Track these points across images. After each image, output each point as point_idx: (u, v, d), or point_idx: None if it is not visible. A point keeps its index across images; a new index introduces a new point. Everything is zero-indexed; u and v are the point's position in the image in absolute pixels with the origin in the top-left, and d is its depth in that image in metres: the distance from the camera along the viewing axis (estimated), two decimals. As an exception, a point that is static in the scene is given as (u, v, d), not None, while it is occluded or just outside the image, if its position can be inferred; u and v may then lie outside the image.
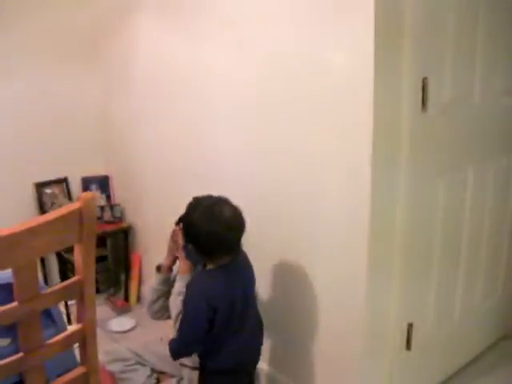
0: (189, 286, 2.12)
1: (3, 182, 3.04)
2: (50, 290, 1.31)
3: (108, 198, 3.33)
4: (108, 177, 3.33)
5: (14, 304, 1.24)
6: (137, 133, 3.05)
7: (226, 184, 2.46)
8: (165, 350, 2.53)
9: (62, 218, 1.25)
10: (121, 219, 3.27)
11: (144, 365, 2.48)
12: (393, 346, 2.15)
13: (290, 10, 2.03)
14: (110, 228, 3.23)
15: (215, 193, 2.48)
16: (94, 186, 3.28)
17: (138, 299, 3.39)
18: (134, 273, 3.37)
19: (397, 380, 2.20)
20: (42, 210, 3.13)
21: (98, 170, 3.33)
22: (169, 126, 2.80)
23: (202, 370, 2.17)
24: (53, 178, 3.19)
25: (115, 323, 3.15)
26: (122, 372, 2.45)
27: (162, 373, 2.50)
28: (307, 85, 1.99)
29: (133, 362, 2.47)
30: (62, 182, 3.23)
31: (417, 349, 2.24)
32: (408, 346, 2.21)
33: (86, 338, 1.45)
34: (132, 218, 3.30)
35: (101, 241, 3.31)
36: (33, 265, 1.24)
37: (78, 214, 1.26)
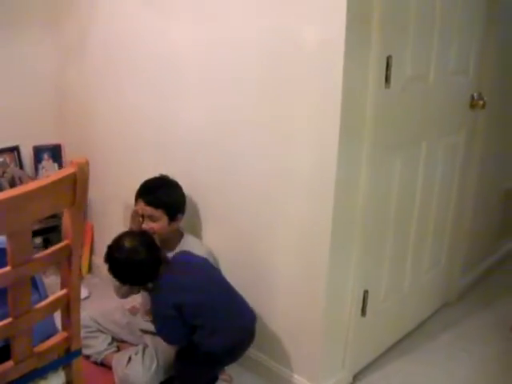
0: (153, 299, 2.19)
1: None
2: (41, 254, 1.32)
3: (60, 167, 3.26)
4: (60, 145, 3.27)
5: (8, 268, 1.26)
6: (93, 102, 3.00)
7: (187, 154, 2.48)
8: (122, 318, 2.56)
9: (57, 183, 1.26)
10: (74, 189, 3.21)
11: (105, 333, 2.50)
12: (349, 311, 2.27)
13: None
14: (62, 197, 3.16)
15: (174, 164, 2.50)
16: (45, 155, 3.21)
17: (90, 269, 3.37)
18: (86, 242, 3.34)
19: (351, 344, 2.32)
20: (-7, 178, 3.05)
21: (49, 139, 3.25)
22: (127, 95, 2.76)
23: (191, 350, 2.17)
24: (4, 146, 3.11)
25: (68, 293, 3.12)
26: (83, 338, 2.44)
27: (122, 341, 2.53)
28: (278, 57, 2.02)
29: (94, 329, 2.48)
30: (13, 150, 3.14)
31: (370, 315, 2.37)
32: (363, 312, 2.33)
33: (69, 303, 1.48)
34: (85, 187, 3.25)
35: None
36: (27, 229, 1.26)
37: (73, 179, 1.28)
